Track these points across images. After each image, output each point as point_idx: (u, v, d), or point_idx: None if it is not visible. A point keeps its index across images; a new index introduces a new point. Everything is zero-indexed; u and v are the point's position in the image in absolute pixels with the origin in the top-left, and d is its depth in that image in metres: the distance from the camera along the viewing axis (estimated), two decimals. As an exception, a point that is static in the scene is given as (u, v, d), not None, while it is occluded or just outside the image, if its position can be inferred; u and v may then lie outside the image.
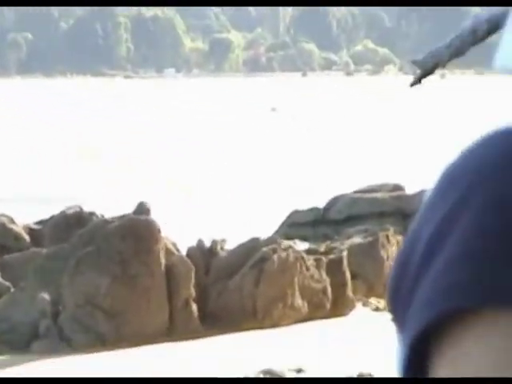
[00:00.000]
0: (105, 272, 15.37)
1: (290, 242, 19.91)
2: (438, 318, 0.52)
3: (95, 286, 15.41)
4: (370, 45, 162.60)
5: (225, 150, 45.63)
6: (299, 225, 26.47)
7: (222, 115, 68.58)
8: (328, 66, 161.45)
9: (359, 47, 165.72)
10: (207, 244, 19.33)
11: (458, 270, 0.52)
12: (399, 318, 0.58)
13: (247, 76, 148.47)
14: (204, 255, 18.42)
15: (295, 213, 26.75)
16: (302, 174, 35.42)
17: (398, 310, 0.58)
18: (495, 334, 0.50)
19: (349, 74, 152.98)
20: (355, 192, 27.10)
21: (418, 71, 7.66)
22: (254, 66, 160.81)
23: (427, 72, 7.48)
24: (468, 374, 0.51)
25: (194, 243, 19.36)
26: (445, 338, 0.53)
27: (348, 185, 27.96)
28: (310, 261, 18.72)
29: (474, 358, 0.51)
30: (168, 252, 17.55)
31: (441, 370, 0.53)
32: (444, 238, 0.53)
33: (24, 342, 15.04)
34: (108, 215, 16.78)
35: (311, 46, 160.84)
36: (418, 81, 7.81)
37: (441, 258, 0.53)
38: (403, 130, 53.75)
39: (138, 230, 15.80)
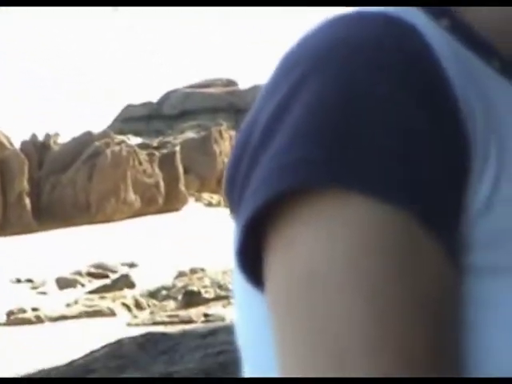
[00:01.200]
0: None
1: (124, 137, 19.66)
2: (276, 196, 0.50)
3: None
4: None
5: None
6: (133, 119, 26.04)
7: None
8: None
9: None
10: (41, 138, 18.83)
11: (300, 147, 0.50)
12: (235, 205, 0.55)
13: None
14: (37, 149, 17.91)
15: (128, 107, 26.30)
16: (136, 69, 34.69)
17: (235, 196, 0.55)
18: (335, 216, 0.50)
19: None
20: (188, 87, 26.97)
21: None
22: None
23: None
24: (302, 253, 0.50)
25: (27, 137, 18.78)
26: (281, 217, 0.51)
27: (181, 80, 27.71)
28: (143, 155, 18.65)
29: (309, 238, 0.50)
30: (1, 146, 16.91)
31: (276, 251, 0.52)
32: (282, 117, 0.51)
33: None
34: None
35: None
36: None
37: (280, 137, 0.50)
38: (236, 26, 53.46)
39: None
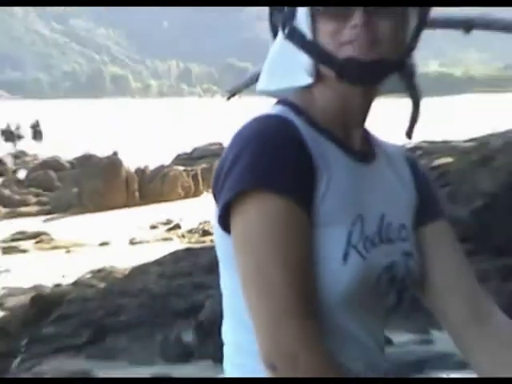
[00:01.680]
0: None
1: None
2: (233, 196, 1.19)
3: None
4: None
5: None
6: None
7: None
8: None
9: None
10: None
11: (244, 174, 1.17)
12: (216, 197, 1.25)
13: None
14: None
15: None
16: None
17: (216, 193, 1.25)
18: (256, 202, 1.18)
19: None
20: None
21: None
22: None
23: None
24: (243, 219, 1.19)
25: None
26: (237, 203, 1.19)
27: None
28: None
29: (245, 212, 1.19)
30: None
31: (234, 227, 1.20)
32: (237, 161, 1.18)
33: None
34: None
35: None
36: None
37: (236, 169, 1.18)
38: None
39: None
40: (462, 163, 10.02)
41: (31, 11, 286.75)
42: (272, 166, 1.17)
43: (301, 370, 1.13)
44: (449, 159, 12.22)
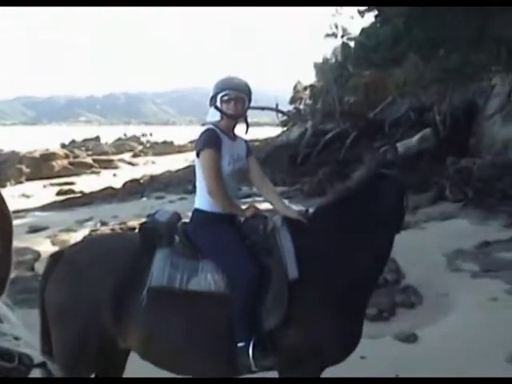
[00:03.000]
0: None
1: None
2: (200, 148, 4.47)
3: None
4: None
5: None
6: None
7: None
8: None
9: None
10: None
11: (202, 142, 4.43)
12: (196, 150, 4.56)
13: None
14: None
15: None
16: None
17: (196, 149, 4.57)
18: (204, 152, 4.48)
19: None
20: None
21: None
22: None
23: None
24: (201, 156, 4.46)
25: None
26: (201, 151, 4.46)
27: None
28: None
29: (202, 156, 4.51)
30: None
31: (200, 158, 4.43)
32: (200, 138, 4.47)
33: None
34: None
35: None
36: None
37: (200, 141, 4.47)
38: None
39: None
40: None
41: None
42: (209, 140, 4.37)
43: (220, 198, 4.33)
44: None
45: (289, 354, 4.09)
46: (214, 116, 4.50)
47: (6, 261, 1.73)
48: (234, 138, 4.56)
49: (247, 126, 4.70)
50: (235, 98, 4.43)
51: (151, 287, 4.16)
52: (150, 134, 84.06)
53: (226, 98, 4.43)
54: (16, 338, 1.57)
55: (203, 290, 4.16)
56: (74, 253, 4.49)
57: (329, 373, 4.37)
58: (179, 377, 4.42)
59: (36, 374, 1.56)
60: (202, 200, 4.44)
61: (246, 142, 4.69)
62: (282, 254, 4.15)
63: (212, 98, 4.50)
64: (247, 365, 4.08)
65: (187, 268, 4.22)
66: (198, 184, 4.47)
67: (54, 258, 4.45)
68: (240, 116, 4.53)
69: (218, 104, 4.46)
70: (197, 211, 4.47)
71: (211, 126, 4.47)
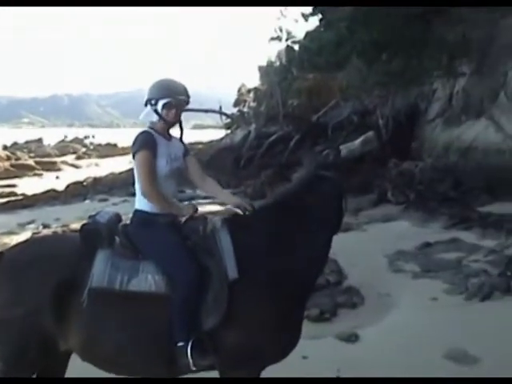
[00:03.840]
0: None
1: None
2: (136, 150, 4.47)
3: None
4: None
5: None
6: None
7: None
8: None
9: None
10: None
11: (138, 144, 4.46)
12: (132, 152, 4.54)
13: None
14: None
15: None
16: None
17: (132, 151, 4.59)
18: (139, 154, 4.50)
19: None
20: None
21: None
22: None
23: None
24: (136, 157, 4.47)
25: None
26: (136, 154, 4.48)
27: None
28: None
29: (137, 159, 4.52)
30: None
31: (135, 160, 4.46)
32: (136, 140, 4.48)
33: None
34: None
35: None
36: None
37: (136, 143, 4.48)
38: None
39: None
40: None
41: None
42: (144, 142, 4.40)
43: (154, 198, 4.37)
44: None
45: (229, 354, 4.11)
46: (149, 116, 4.55)
47: None
48: (170, 138, 4.62)
49: (182, 131, 4.76)
50: (176, 106, 4.50)
51: (92, 288, 4.15)
52: (93, 136, 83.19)
53: (168, 105, 4.47)
54: None
55: (144, 290, 4.16)
56: (15, 253, 4.43)
57: (270, 373, 4.40)
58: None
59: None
60: (142, 201, 4.44)
61: (182, 141, 4.75)
62: (222, 255, 4.17)
63: (150, 100, 4.53)
64: (187, 364, 4.09)
65: (128, 269, 4.22)
66: (136, 185, 4.47)
67: None
68: (178, 121, 4.62)
69: (159, 109, 4.49)
70: (137, 212, 4.48)
71: (147, 129, 4.53)
